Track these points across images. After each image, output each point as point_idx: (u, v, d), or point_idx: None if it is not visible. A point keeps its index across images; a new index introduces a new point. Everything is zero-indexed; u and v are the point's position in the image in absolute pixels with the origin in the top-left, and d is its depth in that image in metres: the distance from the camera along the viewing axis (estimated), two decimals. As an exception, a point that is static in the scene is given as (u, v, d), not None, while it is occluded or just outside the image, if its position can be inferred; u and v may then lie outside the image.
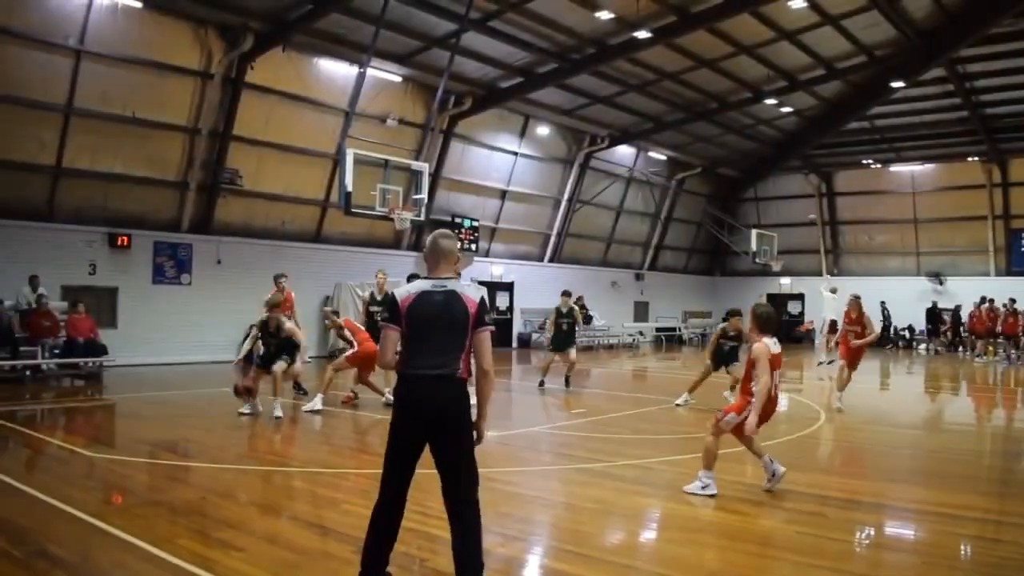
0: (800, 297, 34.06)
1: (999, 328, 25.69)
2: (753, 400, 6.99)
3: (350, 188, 17.30)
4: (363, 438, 10.72)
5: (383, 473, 4.49)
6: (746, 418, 7.01)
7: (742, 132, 30.20)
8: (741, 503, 6.92)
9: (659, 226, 34.74)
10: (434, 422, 4.32)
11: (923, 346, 30.92)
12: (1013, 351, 25.44)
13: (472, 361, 4.47)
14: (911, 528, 6.59)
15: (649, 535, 6.45)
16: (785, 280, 34.68)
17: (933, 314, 30.71)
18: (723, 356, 13.36)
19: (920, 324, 31.89)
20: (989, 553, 5.88)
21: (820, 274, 34.12)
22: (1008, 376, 21.24)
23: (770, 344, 7.04)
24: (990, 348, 26.18)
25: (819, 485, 7.56)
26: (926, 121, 29.41)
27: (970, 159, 31.00)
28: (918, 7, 21.67)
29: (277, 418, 10.66)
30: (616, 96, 25.22)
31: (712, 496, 6.97)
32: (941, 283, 32.02)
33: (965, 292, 29.57)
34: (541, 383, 15.65)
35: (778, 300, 33.83)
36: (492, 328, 4.52)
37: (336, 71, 20.90)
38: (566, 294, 16.34)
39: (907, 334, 32.33)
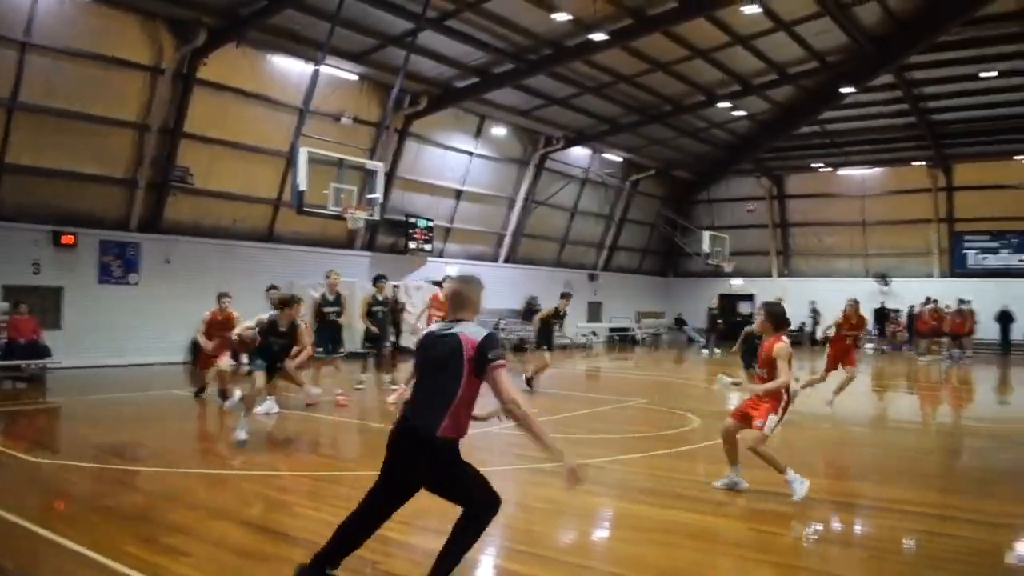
0: (751, 298, 34.45)
1: (945, 328, 26.25)
2: (768, 389, 7.04)
3: (303, 187, 17.10)
4: (314, 439, 10.59)
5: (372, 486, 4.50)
6: (774, 417, 7.11)
7: (696, 135, 30.48)
8: (693, 501, 6.98)
9: (613, 227, 34.93)
10: (409, 472, 4.34)
11: (868, 345, 31.46)
12: (957, 350, 26.00)
13: (476, 410, 4.48)
14: (859, 523, 6.73)
15: (602, 534, 6.48)
16: (737, 281, 35.08)
17: (881, 314, 31.34)
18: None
19: (870, 325, 32.45)
20: (933, 546, 6.06)
21: (770, 275, 34.71)
22: (951, 375, 21.72)
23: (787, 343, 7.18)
24: (933, 347, 26.72)
25: (769, 482, 7.62)
26: (875, 126, 30.00)
27: (916, 164, 31.70)
28: (869, 14, 22.03)
29: (242, 442, 9.32)
30: (572, 98, 25.30)
31: (806, 488, 6.90)
32: (887, 284, 32.65)
33: (910, 293, 30.21)
34: (529, 380, 15.39)
35: (730, 301, 34.24)
36: (502, 362, 4.22)
37: (290, 68, 20.66)
38: (566, 296, 16.22)
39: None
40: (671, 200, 37.16)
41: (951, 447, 10.96)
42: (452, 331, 4.28)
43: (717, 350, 27.84)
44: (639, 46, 21.86)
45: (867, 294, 32.33)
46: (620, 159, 32.27)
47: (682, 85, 25.23)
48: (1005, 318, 29.34)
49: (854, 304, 13.68)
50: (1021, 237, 31.23)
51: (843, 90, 25.70)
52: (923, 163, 31.58)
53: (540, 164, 29.24)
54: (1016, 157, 30.14)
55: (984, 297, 28.64)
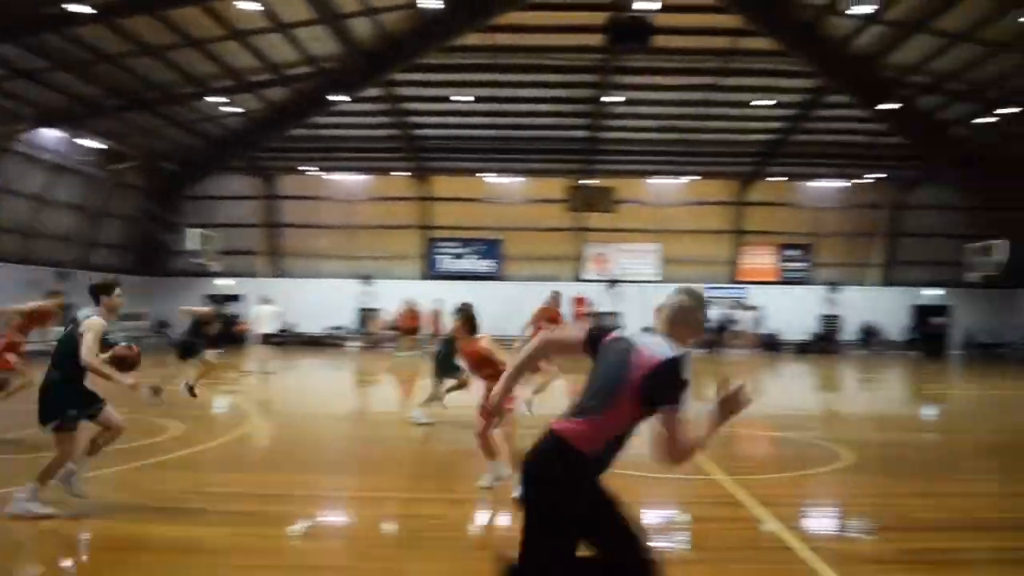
0: (238, 298, 34.10)
1: (422, 326, 28.54)
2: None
3: None
4: None
5: None
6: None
7: (186, 127, 29.29)
8: (172, 513, 6.63)
9: (92, 221, 31.99)
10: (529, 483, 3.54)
11: (352, 343, 32.98)
12: (434, 346, 28.38)
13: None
14: (340, 514, 6.98)
15: (67, 561, 5.83)
16: (226, 281, 34.43)
17: (363, 314, 33.26)
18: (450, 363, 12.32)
19: (351, 323, 34.24)
20: (408, 527, 6.56)
21: (261, 275, 34.71)
22: (426, 368, 23.62)
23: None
24: (410, 344, 28.73)
25: (254, 484, 7.59)
26: (363, 135, 31.75)
27: (399, 173, 34.29)
28: (363, 28, 23.20)
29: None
30: (43, 72, 22.55)
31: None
32: (370, 285, 34.59)
33: (392, 294, 32.32)
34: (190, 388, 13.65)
35: (217, 300, 33.54)
36: (675, 410, 3.40)
37: None
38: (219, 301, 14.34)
39: (341, 331, 34.34)
40: (158, 194, 35.12)
41: (424, 435, 11.85)
42: (638, 343, 3.57)
43: (220, 350, 27.16)
44: (126, 25, 20.36)
45: (352, 295, 34.20)
46: (101, 146, 29.62)
47: (173, 73, 24.08)
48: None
49: (556, 296, 13.64)
50: (485, 244, 35.40)
51: (335, 97, 26.66)
52: (405, 173, 34.24)
53: (2, 146, 25.63)
54: (480, 174, 34.36)
55: (454, 297, 31.73)
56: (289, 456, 9.84)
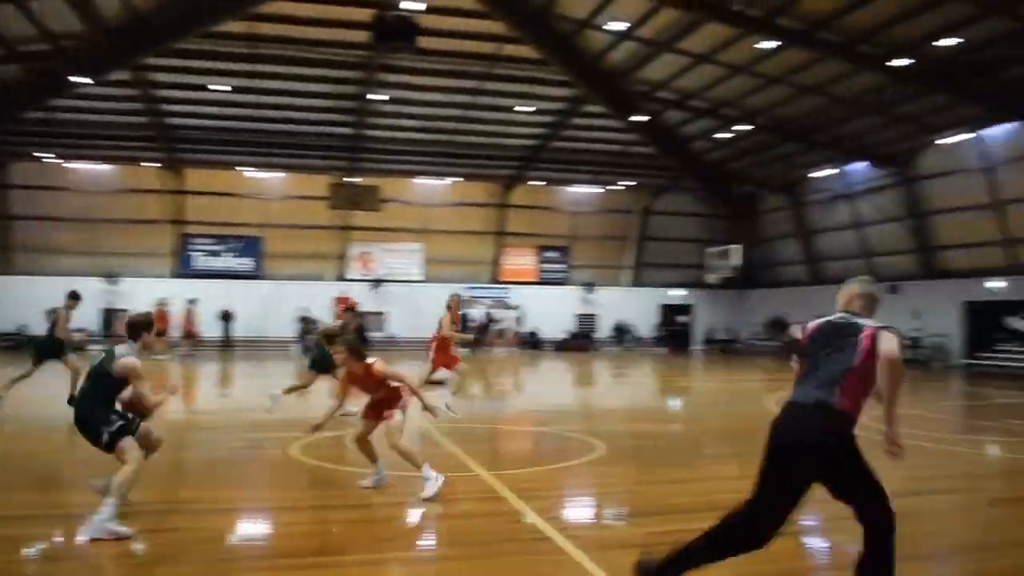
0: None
1: (172, 327, 27.01)
2: (412, 389, 7.51)
3: None
4: None
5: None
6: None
7: None
8: None
9: None
10: (799, 460, 4.15)
11: (97, 346, 30.68)
12: (186, 348, 27.04)
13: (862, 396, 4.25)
14: (63, 533, 6.39)
15: None
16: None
17: (108, 314, 31.05)
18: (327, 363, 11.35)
19: (96, 325, 31.78)
20: (159, 541, 6.07)
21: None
22: (181, 371, 22.44)
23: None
24: (162, 347, 27.14)
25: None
26: (109, 122, 29.55)
27: (148, 164, 32.28)
28: (109, 6, 21.56)
29: None
30: None
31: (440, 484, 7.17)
32: (116, 284, 32.28)
33: (141, 293, 30.31)
34: None
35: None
36: (893, 330, 4.19)
37: None
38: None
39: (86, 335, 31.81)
40: None
41: (175, 441, 11.19)
42: (855, 320, 4.37)
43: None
44: None
45: (95, 294, 31.70)
46: None
47: None
48: (227, 317, 31.50)
49: (458, 298, 12.99)
50: (243, 241, 34.09)
51: (76, 79, 24.53)
52: (156, 164, 32.24)
53: None
54: (239, 168, 33.02)
55: (209, 297, 30.42)
56: (23, 472, 8.91)
